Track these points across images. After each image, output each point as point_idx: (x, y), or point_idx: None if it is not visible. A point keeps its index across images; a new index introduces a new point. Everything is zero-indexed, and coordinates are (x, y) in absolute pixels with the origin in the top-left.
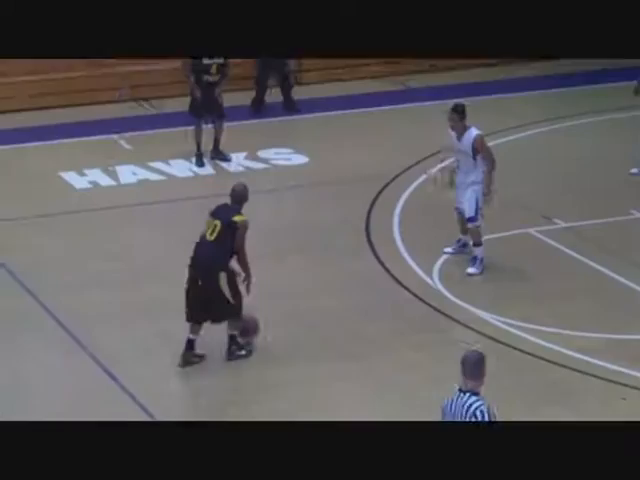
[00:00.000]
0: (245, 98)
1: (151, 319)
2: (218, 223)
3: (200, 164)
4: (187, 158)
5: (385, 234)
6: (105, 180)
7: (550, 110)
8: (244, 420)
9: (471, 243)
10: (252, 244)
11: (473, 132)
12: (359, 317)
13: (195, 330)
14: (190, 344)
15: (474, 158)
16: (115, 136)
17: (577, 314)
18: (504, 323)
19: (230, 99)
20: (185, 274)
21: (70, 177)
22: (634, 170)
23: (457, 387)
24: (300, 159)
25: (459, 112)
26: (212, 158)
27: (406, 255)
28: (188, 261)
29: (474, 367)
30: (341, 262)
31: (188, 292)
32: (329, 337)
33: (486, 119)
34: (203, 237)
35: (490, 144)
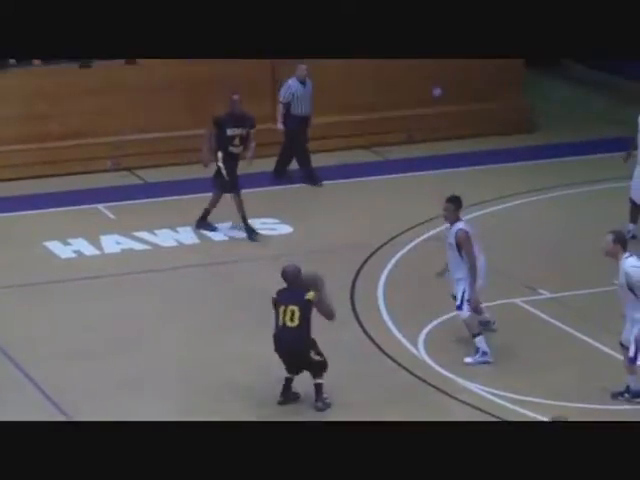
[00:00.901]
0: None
1: (134, 391)
2: (295, 309)
3: (253, 233)
4: (172, 227)
5: (370, 304)
6: (89, 249)
7: (531, 181)
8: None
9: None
10: (236, 313)
11: (458, 226)
12: (346, 387)
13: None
14: (288, 383)
15: (459, 253)
16: (99, 206)
17: (563, 384)
18: (489, 393)
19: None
20: (168, 343)
21: (54, 246)
22: None
23: None
24: (285, 229)
25: (454, 202)
26: (197, 227)
27: (391, 325)
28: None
29: None
30: (326, 332)
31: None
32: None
33: (466, 191)
34: (282, 324)
35: (472, 215)
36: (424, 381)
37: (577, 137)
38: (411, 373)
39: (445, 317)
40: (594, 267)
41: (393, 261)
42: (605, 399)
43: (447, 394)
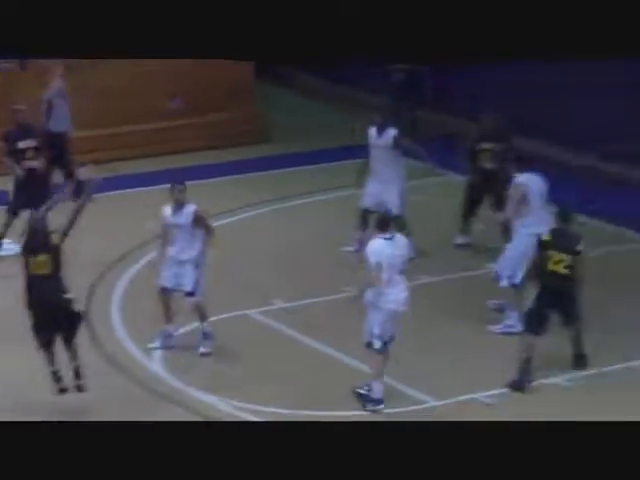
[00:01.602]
0: None
1: None
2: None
3: None
4: None
5: (104, 318)
6: None
7: (263, 192)
8: None
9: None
10: None
11: (192, 206)
12: (76, 403)
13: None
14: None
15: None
16: None
17: (298, 394)
18: (227, 405)
19: None
20: None
21: None
22: (349, 248)
23: None
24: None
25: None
26: None
27: (126, 340)
28: None
29: None
30: (61, 353)
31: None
32: None
33: (202, 202)
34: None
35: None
36: (158, 394)
37: (308, 146)
38: (145, 386)
39: (185, 329)
40: (325, 275)
41: (126, 277)
42: (343, 406)
43: (182, 406)
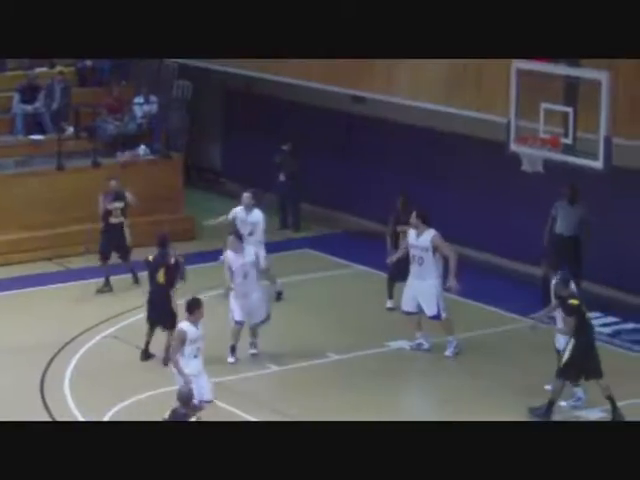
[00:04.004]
0: None
1: None
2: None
3: None
4: None
5: (59, 397)
6: None
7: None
8: None
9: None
10: None
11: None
12: None
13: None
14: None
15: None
16: None
17: None
18: None
19: None
20: None
21: None
22: None
23: None
24: None
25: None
26: None
27: (78, 414)
28: None
29: None
30: None
31: None
32: None
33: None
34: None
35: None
36: None
37: None
38: None
39: (129, 401)
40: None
41: (76, 357)
42: None
43: None
